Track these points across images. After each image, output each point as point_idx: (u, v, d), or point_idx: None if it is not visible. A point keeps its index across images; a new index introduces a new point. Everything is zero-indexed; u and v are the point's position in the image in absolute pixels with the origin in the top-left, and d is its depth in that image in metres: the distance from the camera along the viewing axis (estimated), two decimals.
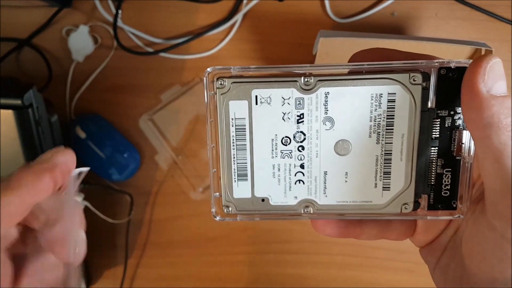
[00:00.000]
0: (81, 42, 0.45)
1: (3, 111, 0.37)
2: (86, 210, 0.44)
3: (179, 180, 0.47)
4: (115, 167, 0.46)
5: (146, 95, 0.46)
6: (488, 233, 0.19)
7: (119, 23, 0.45)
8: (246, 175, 0.22)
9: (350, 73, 0.21)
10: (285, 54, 0.46)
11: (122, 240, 0.49)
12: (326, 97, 0.21)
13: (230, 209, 0.22)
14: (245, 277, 0.49)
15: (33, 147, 0.38)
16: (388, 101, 0.21)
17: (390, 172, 0.21)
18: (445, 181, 0.21)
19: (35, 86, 0.39)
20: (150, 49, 0.46)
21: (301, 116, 0.21)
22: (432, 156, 0.21)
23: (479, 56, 0.18)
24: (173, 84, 0.46)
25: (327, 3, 0.44)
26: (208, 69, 0.21)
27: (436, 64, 0.20)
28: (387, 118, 0.21)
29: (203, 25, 0.46)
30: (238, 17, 0.45)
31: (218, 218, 0.22)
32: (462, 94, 0.19)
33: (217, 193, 0.22)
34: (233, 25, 0.45)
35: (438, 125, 0.21)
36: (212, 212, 0.22)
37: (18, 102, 0.37)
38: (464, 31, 0.44)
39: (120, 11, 0.45)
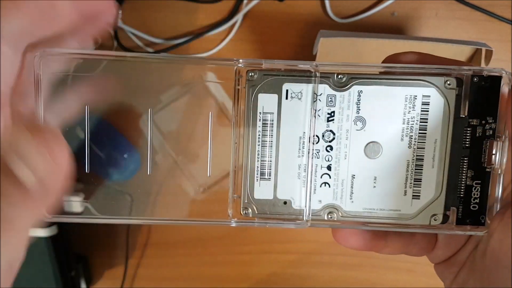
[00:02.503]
0: None
1: None
2: (86, 210, 0.44)
3: (180, 180, 0.47)
4: (115, 167, 0.46)
5: (146, 95, 0.46)
6: None
7: (119, 23, 0.45)
8: (269, 174, 0.21)
9: (383, 73, 0.20)
10: (285, 54, 0.45)
11: (122, 240, 0.49)
12: (359, 95, 0.20)
13: (249, 211, 0.21)
14: (245, 277, 0.49)
15: None
16: (422, 104, 0.20)
17: (421, 179, 0.20)
18: (474, 194, 0.20)
19: None
20: (150, 49, 0.46)
21: (332, 114, 0.20)
22: (462, 166, 0.20)
23: None
24: (173, 84, 0.46)
25: (327, 3, 0.44)
26: (240, 62, 0.20)
27: (469, 71, 0.20)
28: (420, 122, 0.20)
29: (203, 25, 0.46)
30: (238, 17, 0.45)
31: (233, 222, 0.21)
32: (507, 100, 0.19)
33: (236, 195, 0.21)
34: (233, 25, 0.45)
35: (469, 134, 0.20)
36: (228, 214, 0.21)
37: None
38: (464, 31, 0.44)
39: (120, 11, 0.45)
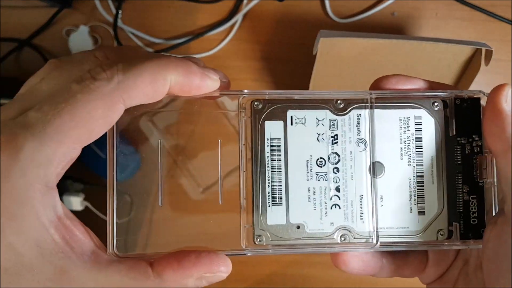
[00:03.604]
0: (81, 42, 0.45)
1: None
2: (86, 210, 0.44)
3: (179, 180, 0.47)
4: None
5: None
6: None
7: (119, 23, 0.45)
8: (281, 199, 0.21)
9: (377, 98, 0.22)
10: (285, 54, 0.46)
11: None
12: (358, 119, 0.21)
13: (263, 239, 0.21)
14: (246, 277, 0.49)
15: None
16: (415, 124, 0.21)
17: (423, 195, 0.21)
18: (472, 208, 0.21)
19: None
20: (150, 49, 0.46)
21: (335, 137, 0.21)
22: (458, 182, 0.21)
23: (499, 84, 0.20)
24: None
25: (327, 3, 0.44)
26: (244, 93, 0.21)
27: (452, 94, 0.21)
28: (416, 141, 0.21)
29: (203, 25, 0.46)
30: (238, 17, 0.45)
31: (248, 252, 0.20)
32: (486, 112, 0.20)
33: (247, 224, 0.21)
34: (233, 25, 0.45)
35: (460, 151, 0.21)
36: (241, 246, 0.20)
37: None
38: (464, 31, 0.44)
39: (120, 11, 0.45)
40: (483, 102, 0.21)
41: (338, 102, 0.21)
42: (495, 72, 0.44)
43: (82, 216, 0.37)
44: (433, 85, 0.22)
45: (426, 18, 0.44)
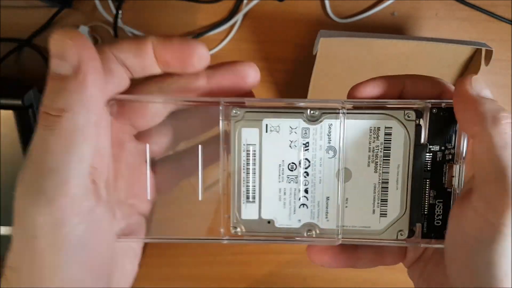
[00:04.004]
0: None
1: (3, 112, 0.37)
2: None
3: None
4: None
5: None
6: (472, 218, 0.19)
7: (119, 23, 0.45)
8: (254, 197, 0.23)
9: (352, 107, 0.23)
10: (285, 54, 0.46)
11: None
12: (330, 128, 0.23)
13: (238, 230, 0.24)
14: (245, 277, 0.49)
15: None
16: (385, 134, 0.23)
17: (387, 199, 0.23)
18: (437, 211, 0.23)
19: (36, 86, 0.39)
20: None
21: (307, 144, 0.23)
22: (425, 187, 0.23)
23: (463, 77, 0.21)
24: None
25: (327, 3, 0.44)
26: (224, 100, 0.23)
27: (428, 104, 0.22)
28: (384, 150, 0.23)
29: (203, 25, 0.46)
30: (238, 17, 0.45)
31: (226, 240, 0.23)
32: (456, 102, 0.21)
33: (227, 215, 0.24)
34: (233, 25, 0.45)
35: (430, 159, 0.23)
36: (220, 232, 0.23)
37: (19, 102, 0.37)
38: (464, 31, 0.44)
39: (120, 11, 0.45)
40: None
41: (312, 111, 0.23)
42: (495, 72, 0.44)
43: None
44: (408, 80, 0.22)
45: (426, 18, 0.44)
